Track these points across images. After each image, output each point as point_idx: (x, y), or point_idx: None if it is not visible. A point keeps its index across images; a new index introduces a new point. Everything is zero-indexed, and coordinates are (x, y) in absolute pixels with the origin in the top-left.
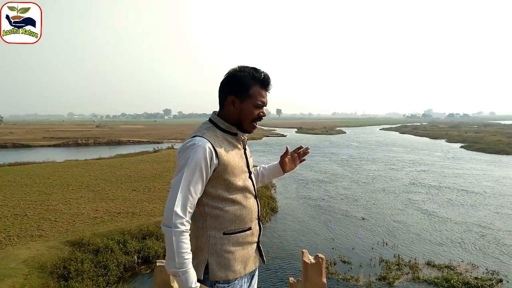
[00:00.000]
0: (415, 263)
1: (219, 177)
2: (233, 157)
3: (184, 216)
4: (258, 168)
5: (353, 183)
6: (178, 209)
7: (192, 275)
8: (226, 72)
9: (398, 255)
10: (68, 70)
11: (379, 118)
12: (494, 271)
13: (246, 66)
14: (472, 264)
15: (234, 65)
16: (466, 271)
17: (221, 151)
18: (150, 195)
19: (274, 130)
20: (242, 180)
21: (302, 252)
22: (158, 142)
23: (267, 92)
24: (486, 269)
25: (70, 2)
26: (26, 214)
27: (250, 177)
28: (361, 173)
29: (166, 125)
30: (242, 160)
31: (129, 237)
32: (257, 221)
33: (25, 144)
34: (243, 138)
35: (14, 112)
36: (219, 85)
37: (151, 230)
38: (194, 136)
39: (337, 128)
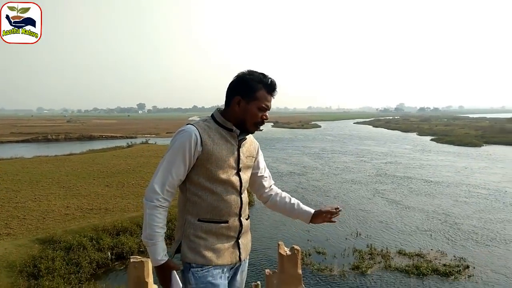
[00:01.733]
0: (387, 252)
1: (202, 165)
2: (220, 149)
3: (160, 193)
4: (287, 197)
5: (324, 175)
6: (156, 185)
7: (160, 248)
8: (235, 74)
9: (371, 244)
10: (37, 63)
11: (353, 112)
12: (461, 258)
13: (256, 71)
14: (440, 252)
15: (209, 60)
16: (435, 259)
17: (207, 140)
18: (123, 190)
19: None
20: (226, 174)
21: (278, 244)
22: (131, 137)
23: (272, 97)
24: (454, 256)
25: None
26: None
27: (238, 174)
28: (332, 165)
29: (140, 120)
30: (232, 155)
31: (102, 233)
32: (237, 218)
33: None
34: (239, 135)
35: None
36: (227, 85)
37: (125, 226)
38: (187, 124)
39: (313, 122)
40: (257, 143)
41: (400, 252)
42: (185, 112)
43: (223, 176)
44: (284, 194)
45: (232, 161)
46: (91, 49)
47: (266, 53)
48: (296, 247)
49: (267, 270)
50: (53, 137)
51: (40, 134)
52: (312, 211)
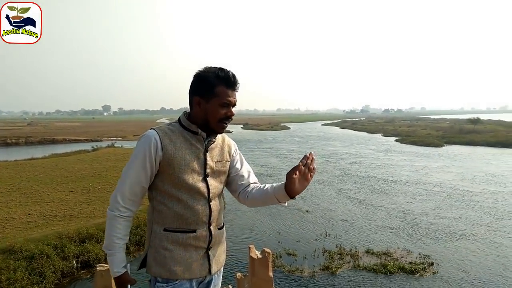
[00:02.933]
0: (356, 251)
1: (165, 171)
2: (183, 153)
3: (121, 202)
4: (261, 186)
5: None
6: (117, 194)
7: (118, 259)
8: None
9: (340, 244)
10: None
11: (321, 114)
12: (426, 255)
13: (212, 67)
14: (406, 250)
15: (177, 59)
16: (402, 257)
17: (168, 144)
18: (89, 196)
19: None
20: (191, 179)
21: (249, 248)
22: (97, 140)
23: (234, 92)
24: (419, 254)
25: None
26: None
27: (205, 180)
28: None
29: (106, 122)
30: (197, 160)
31: (67, 241)
32: (206, 227)
33: None
34: (205, 138)
35: None
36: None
37: (91, 233)
38: (150, 129)
39: (282, 124)
40: (233, 144)
41: (368, 251)
42: (152, 114)
43: (188, 182)
44: (258, 185)
45: (197, 166)
46: (52, 49)
47: (235, 55)
48: (267, 250)
49: (238, 274)
50: (13, 141)
51: None
52: (281, 183)
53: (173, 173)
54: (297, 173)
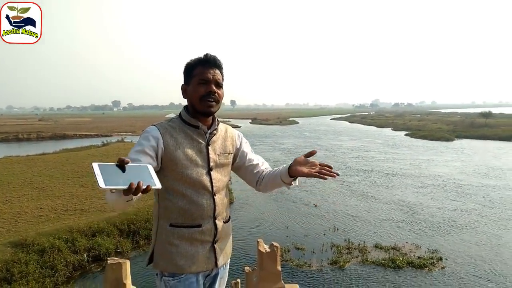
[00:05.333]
0: (364, 246)
1: (167, 167)
2: (184, 148)
3: None
4: (269, 170)
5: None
6: None
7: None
8: None
9: (348, 239)
10: (5, 60)
11: (330, 108)
12: (434, 250)
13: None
14: (414, 244)
15: (185, 54)
16: (410, 251)
17: (168, 139)
18: (99, 190)
19: (228, 121)
20: (196, 174)
21: (257, 242)
22: (107, 136)
23: (214, 69)
24: (427, 248)
25: None
26: None
27: (209, 174)
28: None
29: (116, 118)
30: (200, 154)
31: (78, 235)
32: (211, 220)
33: None
34: (206, 131)
35: None
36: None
37: (102, 227)
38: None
39: (291, 119)
40: (236, 135)
41: (377, 246)
42: (161, 109)
43: (192, 176)
44: (269, 169)
45: (199, 160)
46: (62, 44)
47: (246, 50)
48: (275, 244)
49: (246, 268)
50: (24, 136)
51: (10, 134)
52: (288, 164)
53: (176, 169)
54: (309, 160)
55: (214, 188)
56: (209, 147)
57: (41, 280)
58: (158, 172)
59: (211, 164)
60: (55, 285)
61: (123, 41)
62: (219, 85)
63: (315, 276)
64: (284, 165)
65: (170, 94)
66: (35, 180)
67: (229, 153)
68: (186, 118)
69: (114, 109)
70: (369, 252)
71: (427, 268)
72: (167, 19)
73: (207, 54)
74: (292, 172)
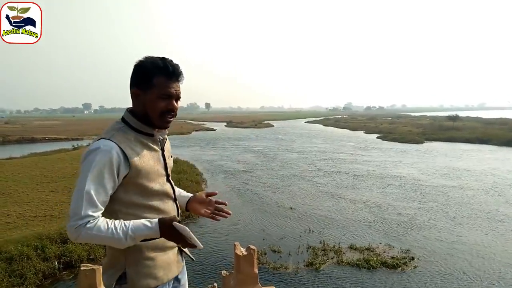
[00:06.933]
0: (339, 247)
1: (131, 182)
2: (147, 160)
3: (92, 214)
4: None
5: (275, 173)
6: (87, 211)
7: (139, 223)
8: None
9: (324, 240)
10: None
11: (305, 111)
12: (407, 250)
13: (152, 56)
14: (388, 245)
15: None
16: (384, 252)
17: (132, 155)
18: (70, 195)
19: (203, 124)
20: (159, 184)
21: (234, 245)
22: (78, 139)
23: (177, 83)
24: (400, 249)
25: None
26: None
27: (168, 180)
28: (286, 165)
29: (87, 121)
30: (159, 163)
31: (48, 242)
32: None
33: None
34: (160, 138)
35: None
36: None
37: None
38: (100, 139)
39: (266, 122)
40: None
41: (351, 247)
42: None
43: (157, 187)
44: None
45: (161, 170)
46: (28, 45)
47: (220, 52)
48: (252, 247)
49: (223, 271)
50: None
51: None
52: (190, 195)
53: (141, 183)
54: (209, 201)
55: (176, 193)
56: (164, 153)
57: None
58: (117, 189)
59: (168, 170)
60: None
61: (95, 41)
62: (179, 99)
63: (291, 278)
64: (185, 196)
65: None
66: (1, 185)
67: (171, 155)
68: (138, 126)
69: (85, 112)
70: (344, 253)
71: (400, 268)
72: (135, 17)
73: (171, 63)
74: (189, 207)
